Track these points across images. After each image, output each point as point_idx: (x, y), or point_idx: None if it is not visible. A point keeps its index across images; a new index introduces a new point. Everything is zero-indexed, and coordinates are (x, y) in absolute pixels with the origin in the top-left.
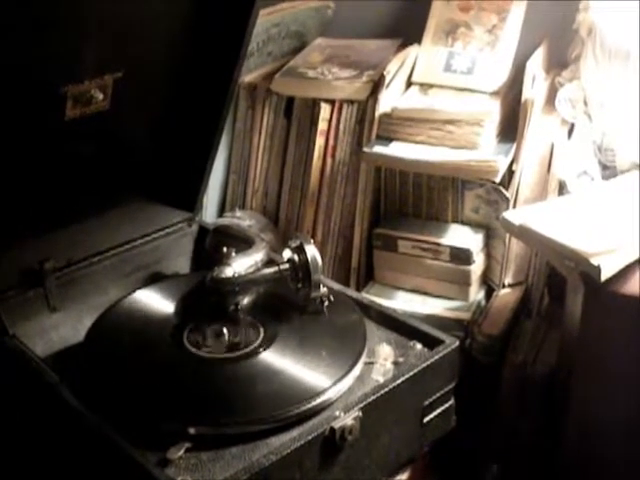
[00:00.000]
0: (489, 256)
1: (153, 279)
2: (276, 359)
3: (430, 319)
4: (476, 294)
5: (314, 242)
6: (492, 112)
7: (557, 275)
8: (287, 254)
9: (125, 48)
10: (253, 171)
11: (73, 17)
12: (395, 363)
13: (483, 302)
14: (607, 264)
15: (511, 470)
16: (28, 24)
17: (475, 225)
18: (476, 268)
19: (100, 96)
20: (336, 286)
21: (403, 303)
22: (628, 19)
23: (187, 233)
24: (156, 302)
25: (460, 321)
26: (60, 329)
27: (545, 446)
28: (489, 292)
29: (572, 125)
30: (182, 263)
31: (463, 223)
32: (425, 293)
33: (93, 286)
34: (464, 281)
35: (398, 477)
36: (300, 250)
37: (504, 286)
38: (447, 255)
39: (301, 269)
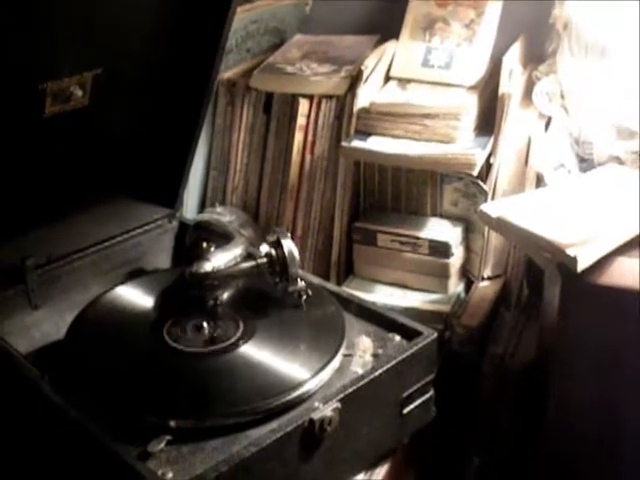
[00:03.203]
0: (468, 249)
1: (134, 275)
2: (255, 352)
3: (410, 312)
4: (455, 287)
5: (294, 237)
6: (469, 106)
7: (535, 267)
8: (265, 249)
9: (104, 45)
10: (233, 167)
11: (52, 14)
12: (374, 355)
13: (463, 295)
14: (584, 255)
15: (493, 462)
16: (6, 21)
17: (454, 218)
18: (455, 261)
19: (79, 93)
20: (315, 280)
21: (383, 296)
22: (603, 13)
23: (168, 229)
24: (136, 297)
25: (440, 314)
26: (42, 326)
27: (525, 436)
28: (468, 285)
29: (549, 118)
30: (163, 259)
31: (442, 216)
32: (405, 286)
33: (75, 283)
34: (443, 274)
35: (378, 468)
36: (277, 244)
37: (483, 279)
38: (426, 248)
39: (278, 263)
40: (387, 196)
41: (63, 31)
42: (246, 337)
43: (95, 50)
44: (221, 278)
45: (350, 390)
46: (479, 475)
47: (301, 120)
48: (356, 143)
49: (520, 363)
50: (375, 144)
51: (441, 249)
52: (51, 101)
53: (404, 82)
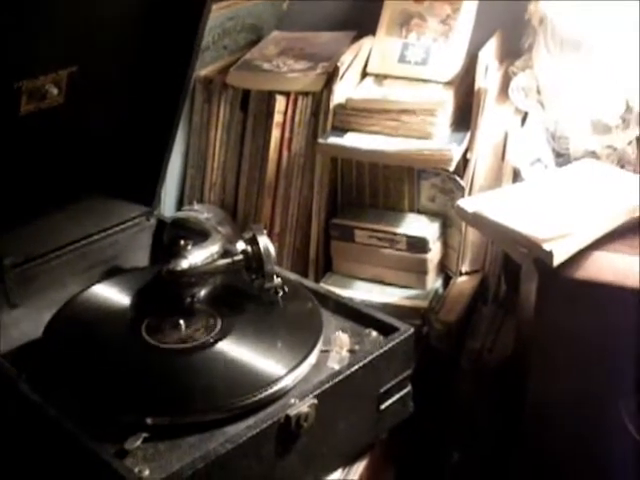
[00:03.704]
0: (446, 244)
1: (112, 273)
2: (232, 349)
3: (388, 308)
4: (433, 282)
5: (272, 234)
6: (445, 102)
7: (513, 262)
8: (241, 246)
9: (79, 43)
10: (210, 164)
11: (25, 11)
12: (351, 351)
13: (441, 290)
14: (559, 250)
15: (472, 457)
16: None
17: (431, 214)
18: (433, 257)
19: (55, 91)
20: (292, 276)
21: (361, 293)
22: (578, 9)
23: (145, 227)
24: (114, 295)
25: (418, 309)
26: (20, 325)
27: (504, 431)
28: (446, 280)
29: (525, 113)
30: (141, 257)
31: (419, 212)
32: (383, 282)
33: (53, 281)
34: (421, 270)
35: (356, 465)
36: (253, 241)
37: (461, 274)
38: (404, 244)
39: (254, 260)
40: (364, 192)
41: (37, 29)
42: (223, 334)
43: (70, 48)
44: (198, 275)
45: (326, 386)
46: (459, 470)
47: (278, 117)
48: (333, 139)
49: (498, 358)
50: (352, 140)
51: (419, 245)
52: (26, 99)
53: (380, 78)
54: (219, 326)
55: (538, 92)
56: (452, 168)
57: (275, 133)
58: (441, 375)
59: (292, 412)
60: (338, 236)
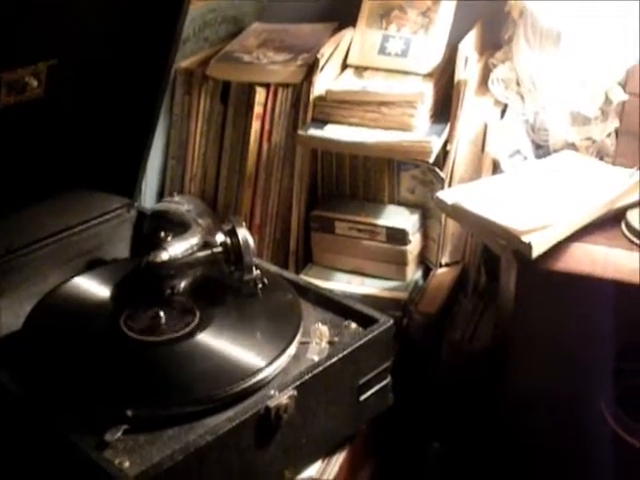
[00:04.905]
0: (426, 236)
1: (93, 265)
2: (212, 341)
3: (368, 299)
4: (413, 274)
5: (252, 225)
6: (425, 93)
7: (492, 253)
8: (220, 238)
9: (59, 35)
10: (191, 156)
11: (3, 3)
12: (330, 342)
13: (420, 281)
14: (538, 241)
15: (452, 446)
16: None
17: (411, 205)
18: (412, 248)
19: (35, 83)
20: (272, 268)
21: (342, 284)
22: (558, 1)
23: (126, 219)
24: (94, 287)
25: (398, 301)
26: (1, 317)
27: (483, 421)
28: (426, 272)
29: (505, 105)
30: (122, 249)
31: (399, 204)
32: (363, 274)
33: (34, 273)
34: (401, 261)
35: (336, 455)
36: (232, 233)
37: (441, 265)
38: (383, 236)
39: (233, 252)
40: (345, 184)
41: (16, 21)
42: (202, 326)
43: (49, 40)
44: (177, 267)
45: (306, 377)
46: (439, 460)
47: (258, 109)
48: (313, 131)
49: (478, 349)
50: (332, 132)
51: (398, 236)
52: (6, 92)
53: (361, 70)
54: (198, 318)
55: (518, 84)
56: (432, 160)
57: (255, 125)
58: (421, 366)
59: (272, 404)
60: (318, 228)
